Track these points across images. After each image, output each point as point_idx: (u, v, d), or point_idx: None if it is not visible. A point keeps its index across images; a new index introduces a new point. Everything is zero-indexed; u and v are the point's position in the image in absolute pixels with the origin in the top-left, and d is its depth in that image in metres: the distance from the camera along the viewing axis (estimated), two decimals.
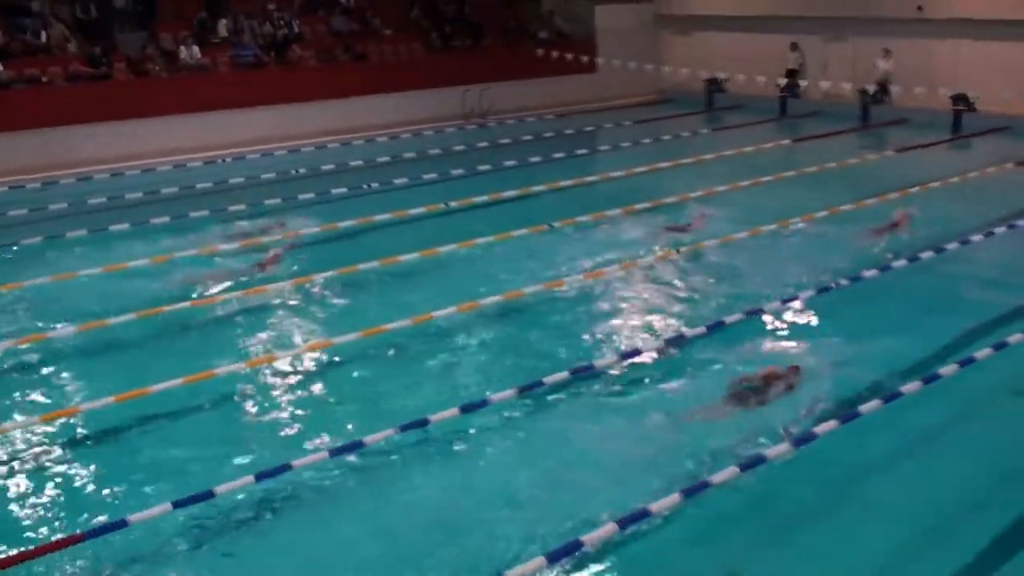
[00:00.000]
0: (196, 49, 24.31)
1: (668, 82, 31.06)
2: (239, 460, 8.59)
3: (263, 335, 11.55)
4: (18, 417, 9.55)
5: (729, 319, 11.42)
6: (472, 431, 9.06)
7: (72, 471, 8.62)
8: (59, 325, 11.72)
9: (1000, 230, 14.89)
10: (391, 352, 10.98)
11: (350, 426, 9.15)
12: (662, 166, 20.77)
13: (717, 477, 7.72)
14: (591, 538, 6.95)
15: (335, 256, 14.34)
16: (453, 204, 17.45)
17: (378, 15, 29.03)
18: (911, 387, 9.26)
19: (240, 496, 7.93)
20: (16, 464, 8.71)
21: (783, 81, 28.05)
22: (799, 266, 13.56)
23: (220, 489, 7.78)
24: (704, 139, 24.92)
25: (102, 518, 7.64)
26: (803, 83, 27.95)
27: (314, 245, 15.17)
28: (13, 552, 7.22)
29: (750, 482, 7.95)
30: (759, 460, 8.00)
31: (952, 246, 14.07)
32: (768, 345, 10.99)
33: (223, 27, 25.74)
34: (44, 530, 7.67)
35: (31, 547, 7.30)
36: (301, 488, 8.16)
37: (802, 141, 24.34)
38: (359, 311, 12.31)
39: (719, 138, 24.88)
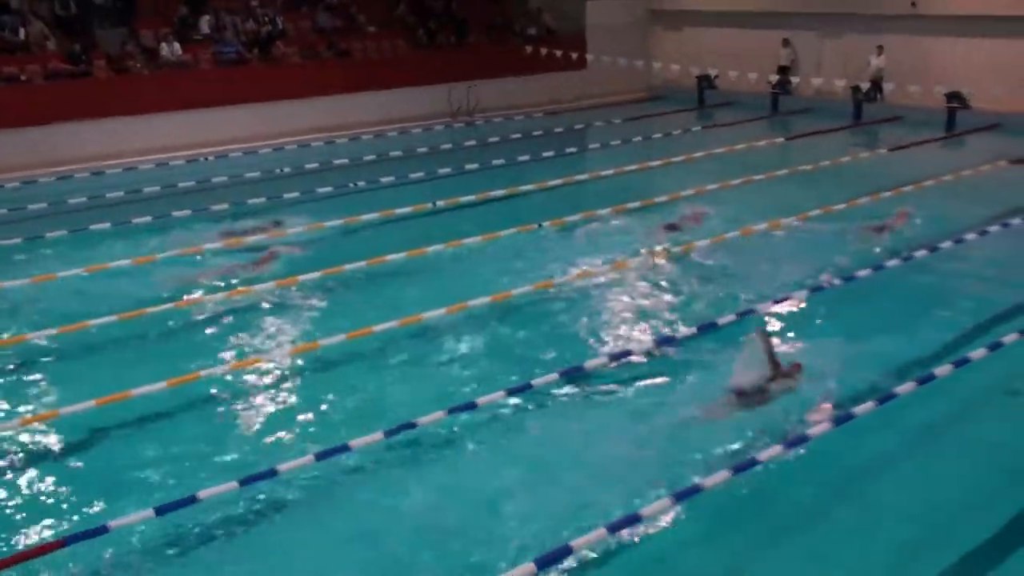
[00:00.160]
0: (177, 46, 24.22)
1: (659, 79, 31.13)
2: (223, 465, 8.57)
3: (248, 337, 11.52)
4: None
5: (722, 320, 11.45)
6: (460, 434, 9.06)
7: (52, 476, 8.57)
8: (39, 327, 11.66)
9: (994, 228, 14.96)
10: (379, 354, 10.98)
11: (336, 429, 9.13)
12: (653, 164, 20.82)
13: (710, 480, 7.76)
14: (580, 543, 6.96)
15: (320, 256, 14.31)
16: (440, 203, 17.45)
17: (362, 11, 28.98)
18: (907, 387, 9.31)
19: (224, 501, 7.90)
20: None
21: (775, 78, 28.11)
22: (792, 265, 13.60)
23: (204, 494, 7.77)
24: (695, 137, 24.96)
25: (83, 524, 7.61)
26: (795, 80, 28.02)
27: (299, 245, 15.11)
28: None
29: (748, 483, 8.01)
30: (753, 463, 8.04)
31: (946, 245, 14.14)
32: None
33: (205, 23, 25.66)
34: (23, 536, 7.63)
35: (9, 554, 7.27)
36: (287, 493, 8.15)
37: (794, 139, 24.43)
38: (345, 312, 12.28)
39: (710, 136, 24.93)
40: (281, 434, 9.22)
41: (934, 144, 23.43)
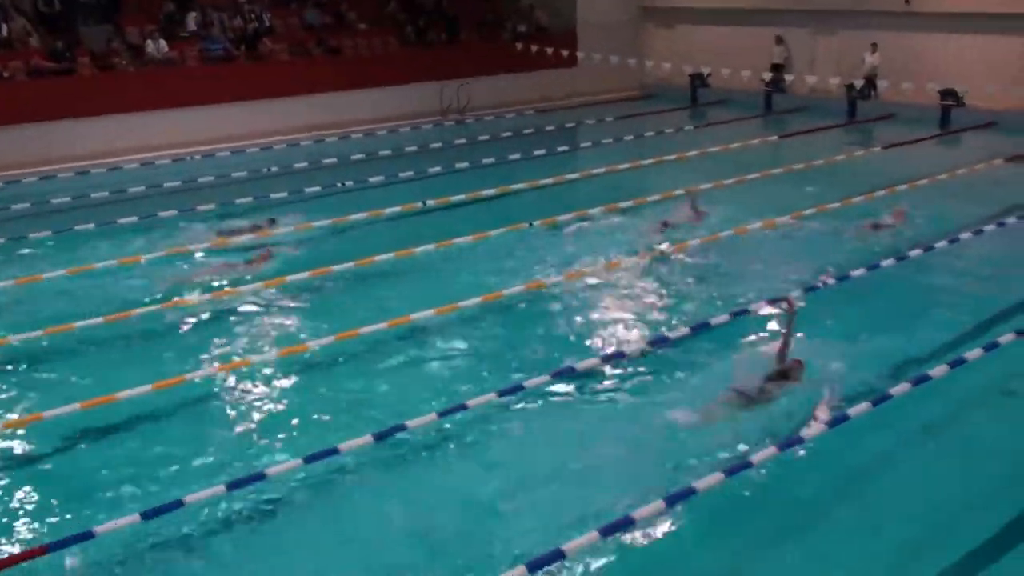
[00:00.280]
0: (163, 43, 24.16)
1: (651, 77, 31.15)
2: (210, 468, 8.54)
3: (235, 339, 11.49)
4: None
5: (715, 320, 11.45)
6: (451, 436, 9.05)
7: (36, 480, 8.53)
8: (22, 329, 11.59)
9: (989, 228, 14.99)
10: (368, 356, 10.96)
11: (325, 432, 9.11)
12: (645, 163, 20.83)
13: (703, 482, 7.76)
14: (573, 546, 6.95)
15: (308, 257, 14.29)
16: (430, 203, 17.43)
17: (352, 8, 28.96)
18: (902, 388, 9.31)
19: (212, 506, 7.88)
20: None
21: (768, 76, 28.16)
22: (786, 265, 13.63)
23: (190, 499, 7.74)
24: (688, 135, 24.97)
25: (67, 529, 7.56)
26: (789, 78, 28.07)
27: (287, 245, 15.07)
28: None
29: (747, 483, 8.03)
30: (747, 465, 8.05)
31: (941, 244, 14.17)
32: (755, 345, 11.02)
33: (191, 20, 25.60)
34: (5, 542, 7.59)
35: None
36: (275, 497, 8.12)
37: (788, 137, 24.45)
38: (334, 314, 12.26)
39: (703, 134, 24.97)
40: (269, 437, 9.19)
41: (929, 142, 23.49)
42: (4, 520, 7.93)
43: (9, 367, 10.83)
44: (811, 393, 9.43)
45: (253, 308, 12.49)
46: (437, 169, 20.67)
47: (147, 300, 12.52)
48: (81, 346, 11.35)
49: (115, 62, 23.53)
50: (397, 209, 16.81)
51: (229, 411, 9.75)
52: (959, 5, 25.82)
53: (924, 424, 9.30)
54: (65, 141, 21.60)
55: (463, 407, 9.30)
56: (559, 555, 6.86)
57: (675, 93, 30.39)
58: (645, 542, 7.42)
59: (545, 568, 6.86)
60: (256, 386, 10.23)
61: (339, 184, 19.51)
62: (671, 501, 7.56)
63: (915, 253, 13.79)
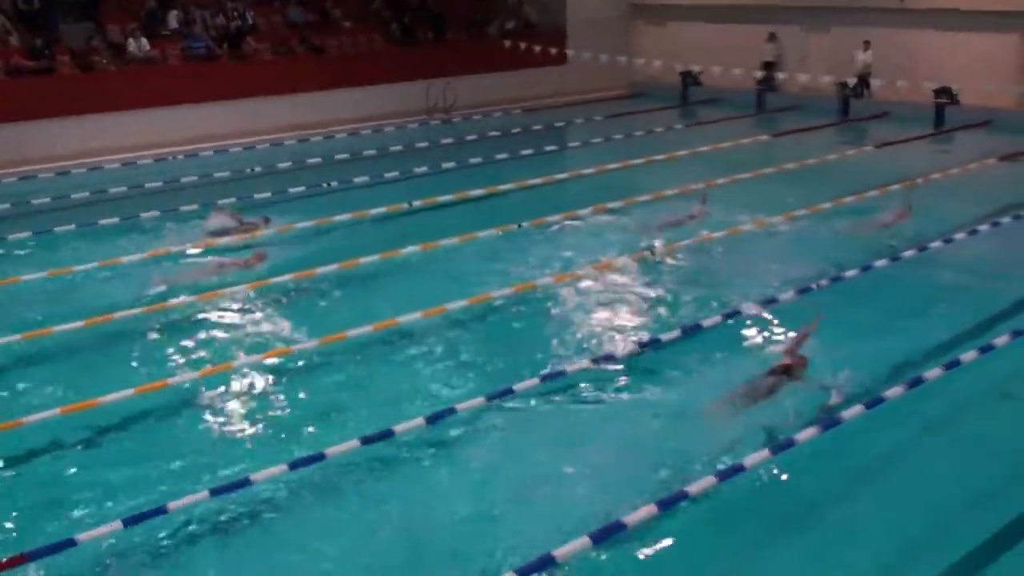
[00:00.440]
0: (145, 41, 24.11)
1: (641, 75, 31.19)
2: (194, 474, 8.51)
3: (218, 343, 11.47)
4: None
5: (707, 321, 11.48)
6: (439, 441, 9.04)
7: (15, 487, 8.50)
8: (0, 333, 11.56)
9: (984, 228, 15.06)
10: (353, 359, 10.96)
11: (311, 438, 9.11)
12: (635, 163, 20.85)
13: (696, 486, 7.81)
14: (564, 552, 6.96)
15: (292, 259, 14.26)
16: (417, 203, 17.42)
17: (337, 6, 28.94)
18: (895, 391, 9.36)
19: (195, 512, 7.86)
20: None
21: (760, 74, 28.21)
22: (778, 266, 13.68)
23: (173, 505, 7.73)
24: (678, 134, 25.02)
25: (47, 537, 7.53)
26: (781, 76, 28.14)
27: (270, 247, 15.05)
28: None
29: (746, 483, 8.09)
30: (739, 468, 8.08)
31: (936, 244, 14.23)
32: (749, 347, 11.06)
33: (173, 18, 25.55)
34: None
35: None
36: (259, 503, 8.11)
37: (780, 136, 24.52)
38: (318, 317, 12.24)
39: (694, 133, 25.02)
40: (253, 442, 9.19)
41: (923, 141, 23.57)
42: None
43: None
44: (812, 394, 9.49)
45: (236, 311, 12.47)
46: (423, 169, 20.66)
47: (128, 303, 12.47)
48: (61, 350, 11.32)
49: (95, 61, 23.46)
50: (382, 210, 16.81)
51: (212, 416, 9.73)
52: (953, 2, 25.90)
53: (924, 424, 9.36)
54: (45, 141, 21.52)
55: (452, 411, 9.30)
56: (549, 561, 6.87)
57: (665, 91, 30.44)
58: (636, 548, 7.42)
59: (535, 575, 6.87)
60: (240, 390, 10.21)
61: (323, 184, 19.50)
62: (664, 505, 7.58)
63: (909, 253, 13.84)
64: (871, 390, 9.57)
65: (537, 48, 28.41)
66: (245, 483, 8.07)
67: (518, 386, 9.81)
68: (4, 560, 7.22)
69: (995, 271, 13.83)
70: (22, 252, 15.14)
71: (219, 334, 11.74)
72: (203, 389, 10.17)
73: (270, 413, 9.79)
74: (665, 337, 11.13)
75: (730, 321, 11.59)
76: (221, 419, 9.67)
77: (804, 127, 24.99)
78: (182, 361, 10.90)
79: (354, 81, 26.19)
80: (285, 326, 11.99)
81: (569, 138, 24.94)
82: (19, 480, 8.65)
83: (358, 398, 10.06)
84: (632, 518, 7.38)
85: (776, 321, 11.72)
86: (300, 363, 10.82)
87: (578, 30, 30.56)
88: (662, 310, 12.28)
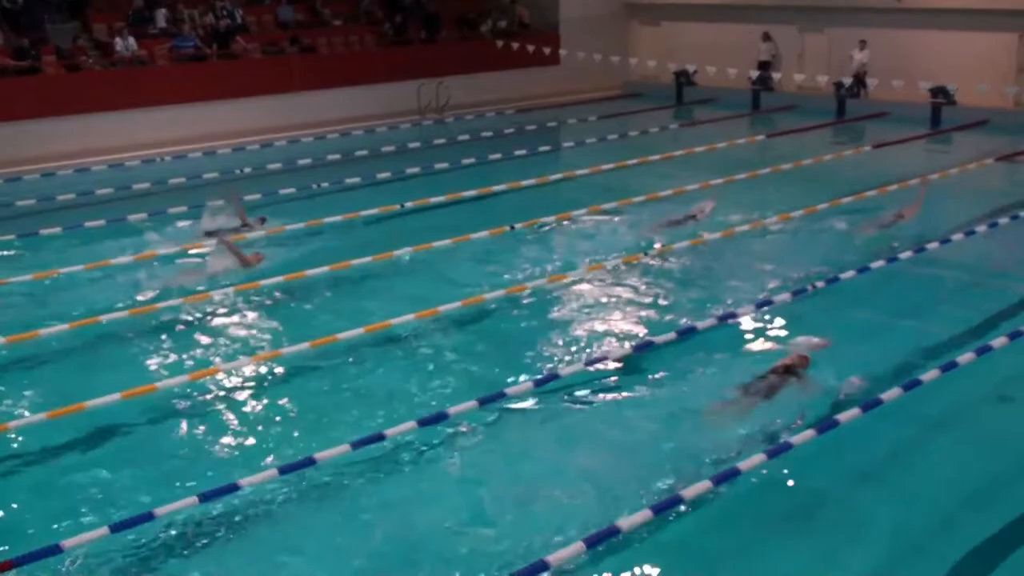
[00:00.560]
0: (132, 41, 24.08)
1: (635, 75, 31.23)
2: (181, 479, 8.48)
3: (207, 346, 11.44)
4: None
5: (702, 324, 11.47)
6: (431, 445, 9.03)
7: (0, 493, 8.47)
8: None
9: (981, 228, 15.07)
10: (344, 363, 10.94)
11: (301, 442, 9.08)
12: (629, 163, 20.86)
13: (690, 491, 7.79)
14: (558, 557, 6.95)
15: (283, 261, 14.24)
16: (409, 204, 17.41)
17: (327, 5, 28.95)
18: (891, 394, 9.36)
19: (182, 518, 7.83)
20: None
21: (755, 73, 28.26)
22: (773, 267, 13.70)
23: (161, 511, 7.69)
24: (673, 134, 25.07)
25: (32, 543, 7.48)
26: (776, 75, 28.18)
27: (260, 249, 15.00)
28: None
29: (745, 484, 8.11)
30: (735, 472, 8.08)
31: (933, 245, 14.25)
32: (745, 349, 11.06)
33: (161, 17, 25.54)
34: None
35: None
36: (249, 509, 8.08)
37: (776, 136, 24.54)
38: (309, 320, 12.23)
39: (689, 133, 25.07)
40: (243, 447, 9.15)
41: (920, 141, 23.60)
42: None
43: None
44: (812, 394, 9.53)
45: (225, 314, 12.43)
46: (416, 170, 20.66)
47: (114, 306, 12.44)
48: (47, 354, 11.28)
49: (82, 60, 23.46)
50: (374, 211, 16.80)
51: (200, 420, 9.69)
52: (950, 1, 25.97)
53: (910, 433, 9.35)
54: (31, 142, 21.49)
55: (444, 415, 9.28)
56: (543, 567, 6.86)
57: (660, 91, 30.48)
58: (631, 553, 7.41)
59: None
60: (228, 394, 10.18)
61: (314, 186, 19.46)
62: (658, 510, 7.58)
63: (906, 255, 13.85)
64: (871, 390, 9.59)
65: (530, 48, 28.42)
66: (233, 488, 8.03)
67: (511, 389, 9.80)
68: None
69: (994, 272, 13.85)
70: (6, 254, 15.12)
71: (207, 338, 11.70)
72: (191, 393, 10.13)
73: (259, 417, 9.76)
74: (661, 338, 11.11)
75: (729, 322, 11.59)
76: (210, 424, 9.63)
77: (800, 127, 25.02)
78: (170, 364, 10.86)
79: (345, 81, 26.20)
80: (275, 329, 11.98)
81: (563, 138, 24.96)
82: (4, 485, 8.61)
83: (348, 402, 10.05)
84: (627, 522, 7.37)
85: (773, 323, 11.74)
86: (290, 366, 10.79)
87: (571, 29, 30.59)
88: (656, 313, 12.26)
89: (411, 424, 9.06)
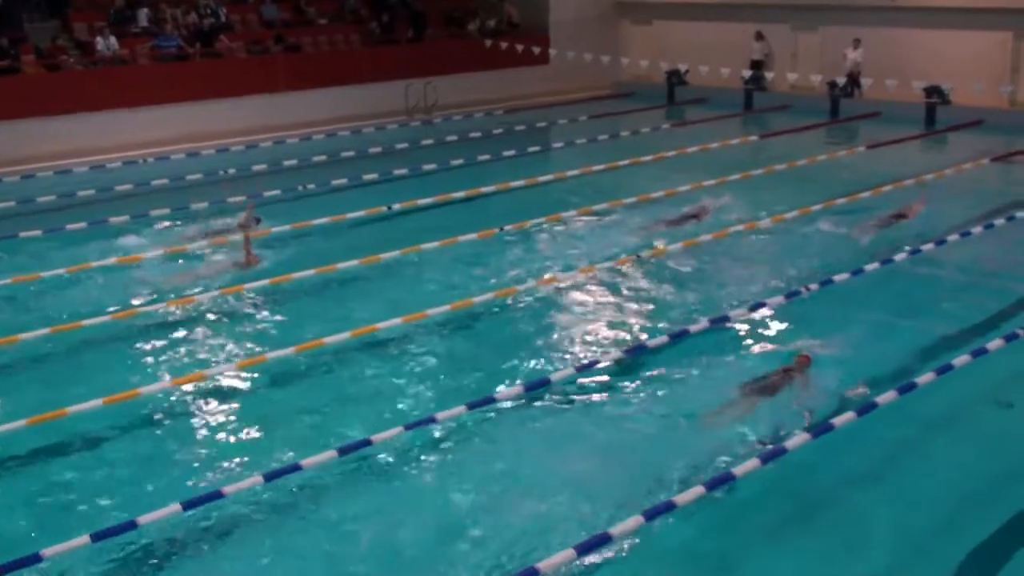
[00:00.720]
0: (114, 40, 24.03)
1: (626, 74, 31.25)
2: (164, 487, 8.46)
3: (191, 351, 11.41)
4: None
5: (694, 327, 11.49)
6: (420, 451, 9.01)
7: None
8: None
9: (977, 230, 15.12)
10: (331, 367, 10.93)
11: (286, 448, 9.05)
12: (620, 164, 20.87)
13: (683, 497, 7.82)
14: (548, 564, 6.95)
15: (269, 264, 14.21)
16: (396, 206, 17.40)
17: (312, 3, 28.92)
18: (886, 397, 9.38)
19: (167, 526, 7.80)
20: None
21: (748, 73, 28.30)
22: (769, 269, 13.72)
23: (144, 519, 7.67)
24: (665, 135, 25.07)
25: (13, 552, 7.44)
26: (769, 75, 28.23)
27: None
28: None
29: (744, 484, 8.15)
30: (730, 477, 8.10)
31: (929, 246, 14.29)
32: (742, 351, 11.08)
33: (143, 16, 25.49)
34: None
35: None
36: (233, 516, 8.06)
37: (769, 136, 24.59)
38: (294, 324, 12.20)
39: (681, 134, 25.08)
40: (227, 453, 9.12)
41: (914, 141, 23.67)
42: None
43: None
44: (813, 393, 9.57)
45: (210, 318, 12.41)
46: (403, 171, 20.64)
47: (96, 311, 12.40)
48: (27, 360, 11.24)
49: (62, 60, 23.39)
50: (361, 213, 16.79)
51: (184, 426, 9.66)
52: (944, 0, 26.05)
53: (905, 436, 9.39)
54: (10, 143, 21.37)
55: (432, 420, 9.28)
56: (533, 573, 6.85)
57: (652, 91, 30.50)
58: (626, 559, 7.42)
59: None
60: (213, 399, 10.15)
61: (300, 187, 19.44)
62: (650, 515, 7.58)
63: (900, 257, 13.89)
64: (872, 391, 9.63)
65: (520, 47, 28.41)
66: (218, 495, 8.01)
67: (501, 394, 9.80)
68: None
69: (992, 273, 13.92)
70: None
71: (190, 342, 11.67)
72: (174, 399, 10.11)
73: (244, 423, 9.74)
74: (653, 342, 11.12)
75: (727, 324, 11.63)
76: (193, 429, 9.60)
77: (794, 127, 25.05)
78: (152, 370, 10.84)
79: (332, 81, 26.15)
80: (260, 333, 11.96)
81: (553, 139, 24.96)
82: None
83: (335, 406, 10.03)
84: (619, 528, 7.38)
85: (770, 324, 11.77)
86: (276, 371, 10.77)
87: (561, 29, 30.58)
88: (647, 316, 12.25)
89: (399, 429, 9.06)
